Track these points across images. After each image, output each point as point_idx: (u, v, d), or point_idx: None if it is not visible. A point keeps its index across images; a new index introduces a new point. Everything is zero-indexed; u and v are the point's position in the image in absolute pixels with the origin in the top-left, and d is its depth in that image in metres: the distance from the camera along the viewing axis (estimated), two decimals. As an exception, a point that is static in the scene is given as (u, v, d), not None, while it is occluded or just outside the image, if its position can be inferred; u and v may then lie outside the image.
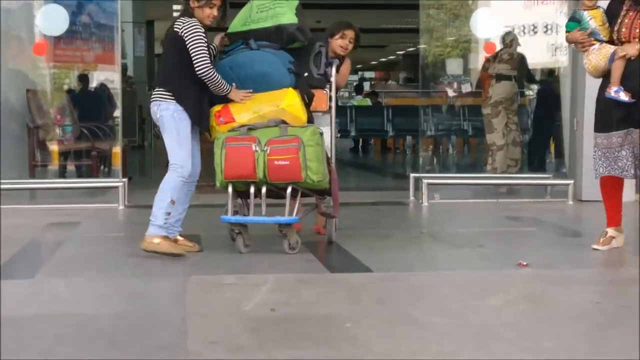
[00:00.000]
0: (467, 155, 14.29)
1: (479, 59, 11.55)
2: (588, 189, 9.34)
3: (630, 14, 5.70)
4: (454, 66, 12.05)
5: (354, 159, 19.89)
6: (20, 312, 4.71)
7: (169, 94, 5.99)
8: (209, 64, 5.93)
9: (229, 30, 6.51)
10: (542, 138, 11.65)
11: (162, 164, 15.78)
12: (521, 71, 10.92)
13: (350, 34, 6.95)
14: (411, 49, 30.83)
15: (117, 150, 10.19)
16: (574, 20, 5.97)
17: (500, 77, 10.66)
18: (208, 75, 5.94)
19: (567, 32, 6.11)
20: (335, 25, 7.02)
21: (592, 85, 9.31)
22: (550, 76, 11.21)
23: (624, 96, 5.63)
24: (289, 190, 6.00)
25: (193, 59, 5.88)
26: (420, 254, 6.92)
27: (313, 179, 5.94)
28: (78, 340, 4.14)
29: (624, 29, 5.69)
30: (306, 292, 5.16)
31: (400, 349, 3.95)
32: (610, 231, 6.10)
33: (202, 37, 5.90)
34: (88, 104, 11.32)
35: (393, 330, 4.28)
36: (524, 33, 10.82)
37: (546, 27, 10.54)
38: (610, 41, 5.80)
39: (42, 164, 10.58)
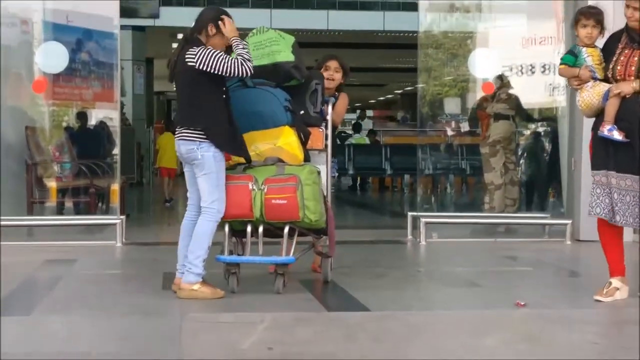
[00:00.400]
0: (465, 194, 14.30)
1: (476, 98, 11.58)
2: (586, 228, 9.31)
3: (626, 51, 5.66)
4: (452, 105, 12.07)
5: (351, 197, 19.89)
6: (16, 349, 4.69)
7: (202, 134, 5.80)
8: (236, 62, 5.71)
9: None
10: (540, 177, 11.67)
11: (159, 201, 15.83)
12: (519, 111, 10.98)
13: (332, 64, 7.01)
14: (409, 88, 30.95)
15: (115, 187, 10.18)
16: (572, 55, 5.91)
17: (498, 117, 10.72)
18: (245, 67, 5.74)
19: (562, 64, 6.00)
20: (320, 59, 7.11)
21: (590, 126, 9.43)
22: (548, 116, 11.24)
23: (617, 135, 5.56)
24: (286, 229, 5.97)
25: (223, 69, 5.71)
26: (417, 293, 6.91)
27: (311, 218, 5.91)
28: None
29: (619, 67, 5.64)
30: (303, 330, 5.14)
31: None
32: (615, 282, 5.88)
33: (219, 52, 5.78)
34: (87, 141, 11.35)
35: (390, 370, 4.27)
36: (522, 73, 10.86)
37: (543, 67, 10.58)
38: (605, 80, 5.75)
39: (40, 200, 10.59)
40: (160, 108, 30.32)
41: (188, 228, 6.03)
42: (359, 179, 21.74)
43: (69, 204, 11.11)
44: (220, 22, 5.85)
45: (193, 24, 6.01)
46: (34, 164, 10.42)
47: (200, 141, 5.78)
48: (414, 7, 11.43)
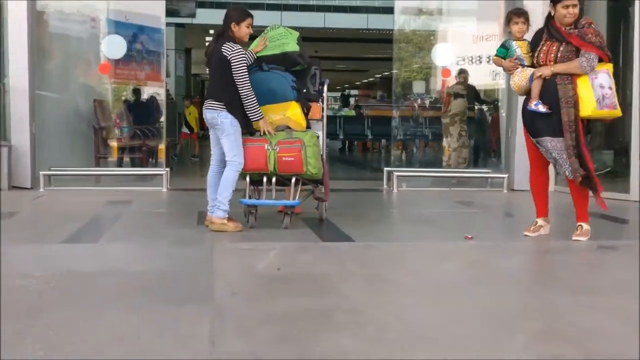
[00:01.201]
0: (428, 155, 14.27)
1: (437, 81, 11.58)
2: (519, 181, 9.37)
3: (547, 43, 5.60)
4: (418, 87, 12.07)
5: (341, 156, 19.88)
6: (86, 268, 4.73)
7: (224, 106, 5.83)
8: (250, 90, 5.83)
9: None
10: (485, 142, 11.67)
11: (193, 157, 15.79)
12: (470, 92, 10.98)
13: None
14: (386, 73, 30.80)
15: (161, 146, 10.19)
16: (504, 47, 5.85)
17: (456, 96, 10.75)
18: (248, 100, 5.84)
19: (495, 56, 5.96)
20: None
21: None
22: (491, 95, 11.21)
23: (542, 108, 5.53)
24: (293, 180, 6.00)
25: (237, 84, 5.80)
26: (391, 228, 6.94)
27: (312, 171, 5.95)
28: (128, 290, 4.15)
29: (541, 55, 5.59)
30: (303, 256, 5.17)
31: (374, 300, 3.96)
32: (540, 221, 5.90)
33: (245, 64, 5.83)
34: (140, 111, 11.32)
35: (369, 286, 4.29)
36: (472, 62, 10.81)
37: (488, 57, 10.51)
38: (532, 66, 5.69)
39: (104, 156, 10.58)
40: (195, 87, 30.14)
41: (213, 178, 6.06)
42: (346, 142, 21.72)
43: (126, 159, 11.09)
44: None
45: (222, 25, 5.99)
46: (100, 128, 10.41)
47: (220, 110, 5.83)
48: (390, 11, 11.36)
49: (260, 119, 5.92)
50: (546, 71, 5.54)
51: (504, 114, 10.14)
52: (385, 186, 9.77)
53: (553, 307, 3.92)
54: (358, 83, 44.51)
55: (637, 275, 4.52)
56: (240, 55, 5.79)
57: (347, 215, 7.08)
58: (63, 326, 3.42)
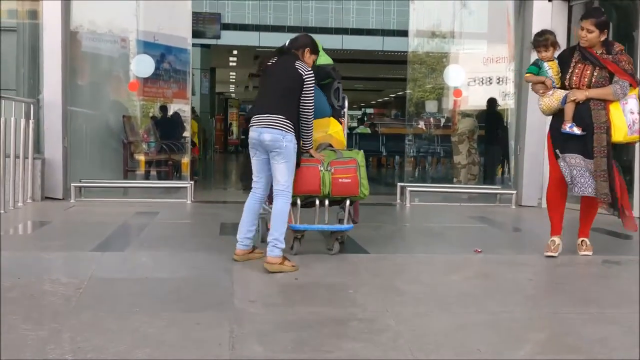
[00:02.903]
0: (439, 171, 14.22)
1: (449, 101, 11.56)
2: (527, 197, 9.33)
3: (579, 65, 5.41)
4: (431, 106, 12.05)
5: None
6: (113, 275, 4.76)
7: (292, 126, 4.91)
8: (313, 116, 5.07)
9: None
10: (494, 159, 11.63)
11: (218, 170, 15.79)
12: (480, 111, 10.99)
13: None
14: (400, 92, 30.83)
15: (186, 160, 10.25)
16: (536, 66, 5.63)
17: (464, 115, 10.76)
18: (309, 126, 5.07)
19: (527, 73, 5.71)
20: None
21: (531, 122, 9.40)
22: (500, 114, 11.16)
23: (577, 130, 5.35)
24: (348, 202, 5.39)
25: (306, 109, 4.98)
26: (403, 241, 6.92)
27: (365, 193, 5.38)
28: (153, 296, 4.17)
29: (574, 78, 5.41)
30: (320, 266, 5.15)
31: (387, 309, 3.95)
32: (557, 239, 5.60)
33: (313, 95, 5.04)
34: (166, 127, 11.36)
35: (383, 296, 4.28)
36: (483, 83, 10.78)
37: (498, 79, 10.50)
38: (562, 86, 5.53)
39: (132, 169, 10.64)
40: (219, 104, 30.29)
41: (254, 207, 5.18)
42: (362, 158, 21.66)
43: (153, 172, 11.14)
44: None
45: (289, 42, 5.23)
46: (128, 142, 10.47)
47: (286, 132, 4.86)
48: (405, 34, 11.38)
49: (310, 147, 5.21)
50: (580, 95, 5.37)
51: (513, 132, 10.11)
52: (398, 201, 9.75)
53: (560, 318, 3.89)
54: (373, 102, 44.56)
55: (638, 288, 4.49)
56: (313, 79, 5.01)
57: (362, 228, 7.05)
58: (90, 330, 3.44)
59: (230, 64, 25.30)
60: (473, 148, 10.84)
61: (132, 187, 10.09)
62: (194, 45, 10.97)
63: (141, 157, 10.83)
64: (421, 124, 11.96)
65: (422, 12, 10.95)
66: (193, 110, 16.14)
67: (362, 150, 5.57)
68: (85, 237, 6.11)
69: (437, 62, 11.29)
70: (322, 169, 5.23)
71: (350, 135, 19.17)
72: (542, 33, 5.67)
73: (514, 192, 9.49)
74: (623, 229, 5.61)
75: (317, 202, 5.32)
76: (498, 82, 10.53)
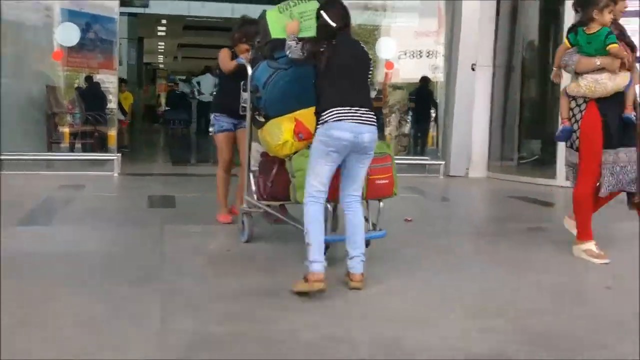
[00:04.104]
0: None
1: (381, 74, 11.63)
2: (454, 167, 9.53)
3: (622, 43, 4.57)
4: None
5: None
6: (38, 250, 4.63)
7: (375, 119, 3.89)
8: None
9: (275, 36, 4.48)
10: (423, 131, 11.78)
11: (146, 142, 15.45)
12: (410, 84, 11.11)
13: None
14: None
15: (112, 132, 10.07)
16: (574, 33, 4.64)
17: (395, 87, 10.86)
18: None
19: (566, 37, 4.68)
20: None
21: (460, 96, 9.57)
22: (430, 88, 11.30)
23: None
24: (381, 204, 4.37)
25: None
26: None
27: (396, 192, 4.41)
28: (80, 271, 4.09)
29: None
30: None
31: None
32: (591, 244, 4.67)
33: None
34: (92, 97, 11.07)
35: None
36: (413, 56, 10.88)
37: (428, 52, 10.62)
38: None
39: (57, 141, 10.37)
40: (147, 75, 29.71)
41: (322, 216, 3.86)
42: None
43: (78, 144, 10.87)
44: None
45: (339, 18, 3.99)
46: (52, 113, 10.20)
47: (375, 128, 3.88)
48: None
49: None
50: None
51: (442, 106, 10.27)
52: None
53: (491, 284, 3.99)
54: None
55: (562, 254, 4.66)
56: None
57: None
58: (14, 305, 3.34)
59: (159, 33, 24.86)
60: (403, 120, 10.97)
61: (56, 159, 9.82)
62: (121, 14, 10.71)
63: (66, 129, 10.55)
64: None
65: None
66: (125, 81, 15.79)
67: (391, 143, 4.53)
68: (8, 212, 5.92)
69: (369, 35, 11.32)
70: None
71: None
72: None
73: (442, 162, 9.66)
74: (547, 197, 5.76)
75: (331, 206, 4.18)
76: (428, 56, 10.64)
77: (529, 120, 10.63)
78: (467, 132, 9.60)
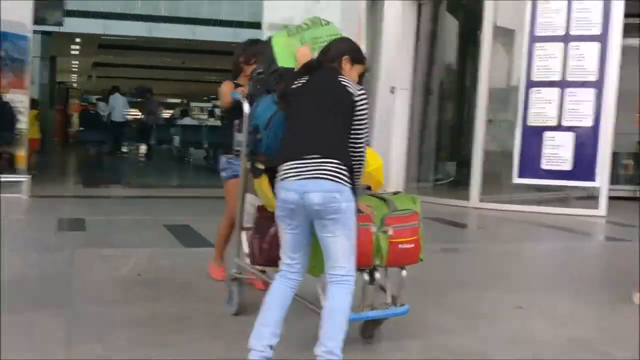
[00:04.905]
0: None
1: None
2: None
3: None
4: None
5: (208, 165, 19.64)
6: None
7: (349, 175, 3.06)
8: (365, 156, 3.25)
9: (283, 65, 3.63)
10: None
11: (58, 163, 15.09)
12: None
13: None
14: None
15: (21, 153, 9.78)
16: None
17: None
18: (361, 170, 3.22)
19: None
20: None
21: (379, 117, 9.74)
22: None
23: None
24: (404, 273, 3.47)
25: (360, 140, 3.17)
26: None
27: (422, 258, 3.54)
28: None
29: None
30: (164, 262, 5.08)
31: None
32: None
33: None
34: (1, 117, 10.75)
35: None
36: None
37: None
38: None
39: (-37, 162, 10.00)
40: (59, 94, 29.11)
41: (286, 296, 3.14)
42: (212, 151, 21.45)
43: (-15, 165, 10.51)
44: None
45: (319, 54, 3.42)
46: (-43, 134, 9.86)
47: (344, 183, 3.03)
48: (258, 26, 11.53)
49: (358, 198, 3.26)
50: None
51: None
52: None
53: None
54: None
55: (476, 274, 4.80)
56: (367, 99, 3.21)
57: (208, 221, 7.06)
58: None
59: (72, 52, 24.45)
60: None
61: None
62: (34, 32, 10.49)
63: (-29, 150, 10.19)
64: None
65: (275, 5, 11.10)
66: (37, 101, 15.41)
67: (418, 197, 3.72)
68: None
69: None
70: (374, 229, 3.35)
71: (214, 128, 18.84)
72: None
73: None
74: (460, 218, 5.92)
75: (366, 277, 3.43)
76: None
77: (446, 143, 10.93)
78: (385, 153, 9.80)
